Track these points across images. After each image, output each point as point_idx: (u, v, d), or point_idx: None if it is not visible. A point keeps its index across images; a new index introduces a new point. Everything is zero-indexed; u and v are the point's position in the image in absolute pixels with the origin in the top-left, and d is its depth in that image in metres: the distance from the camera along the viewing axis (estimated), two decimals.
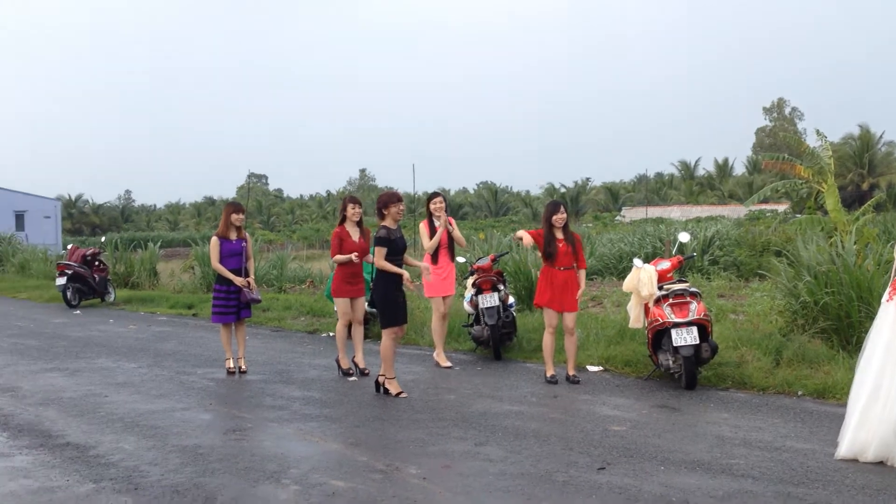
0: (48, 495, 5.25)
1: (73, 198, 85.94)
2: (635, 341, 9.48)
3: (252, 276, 9.42)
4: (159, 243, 24.32)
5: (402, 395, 7.92)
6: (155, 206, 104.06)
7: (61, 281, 17.65)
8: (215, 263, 9.26)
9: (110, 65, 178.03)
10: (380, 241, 7.91)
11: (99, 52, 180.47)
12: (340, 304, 9.15)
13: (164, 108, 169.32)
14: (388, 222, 8.05)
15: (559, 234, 8.56)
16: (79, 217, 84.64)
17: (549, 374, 8.59)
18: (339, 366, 9.17)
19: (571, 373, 8.60)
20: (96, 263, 18.29)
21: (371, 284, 10.03)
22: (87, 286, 17.83)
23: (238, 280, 9.18)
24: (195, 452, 6.16)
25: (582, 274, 8.64)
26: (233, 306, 9.29)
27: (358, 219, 9.19)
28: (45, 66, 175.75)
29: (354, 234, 9.10)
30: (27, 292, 20.87)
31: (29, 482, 5.53)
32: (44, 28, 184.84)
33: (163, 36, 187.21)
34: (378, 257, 7.91)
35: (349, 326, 9.22)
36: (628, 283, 8.62)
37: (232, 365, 9.37)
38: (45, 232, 46.42)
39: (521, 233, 8.90)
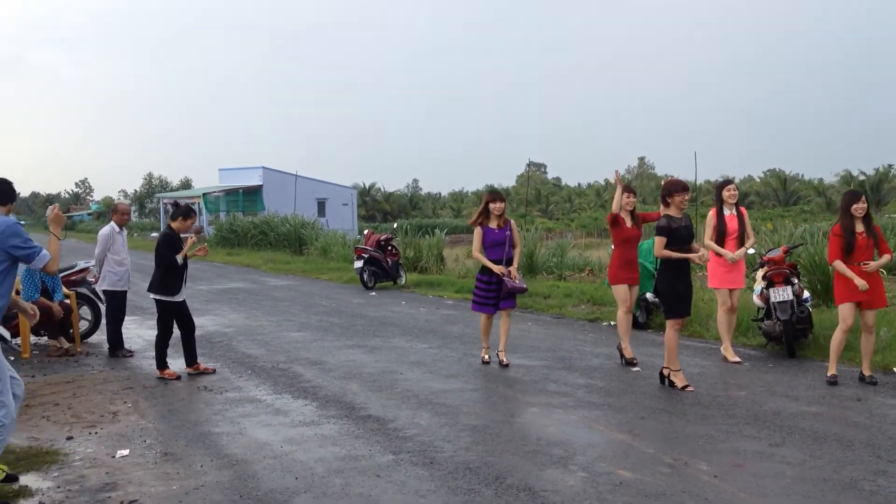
0: (353, 463, 5.70)
1: (367, 186, 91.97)
2: None
3: (515, 265, 9.05)
4: (445, 230, 25.39)
5: (689, 388, 7.72)
6: (440, 194, 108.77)
7: (359, 264, 18.88)
8: (476, 252, 9.09)
9: (402, 63, 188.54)
10: (660, 231, 7.78)
11: (390, 52, 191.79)
12: (619, 292, 9.08)
13: (447, 101, 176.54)
14: (671, 211, 7.87)
15: (859, 227, 7.92)
16: (372, 204, 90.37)
17: (830, 374, 8.02)
18: (622, 354, 9.11)
19: (868, 373, 7.99)
20: (389, 248, 19.35)
21: (654, 273, 9.89)
22: (381, 269, 18.92)
23: (497, 268, 8.90)
24: (484, 432, 6.41)
25: (886, 257, 7.97)
26: (493, 296, 9.03)
27: (632, 208, 9.10)
28: (343, 63, 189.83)
29: (628, 221, 9.08)
30: (329, 274, 22.60)
31: (336, 449, 6.03)
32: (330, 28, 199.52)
33: (455, 38, 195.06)
34: (657, 247, 7.78)
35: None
36: None
37: (487, 357, 9.23)
38: (343, 218, 49.90)
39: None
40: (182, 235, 8.93)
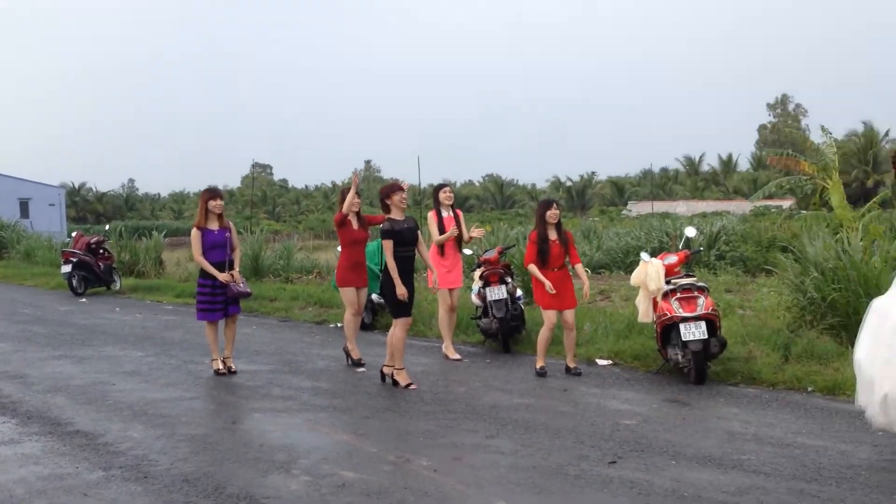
0: (58, 482, 5.27)
1: (76, 186, 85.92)
2: (644, 335, 9.45)
3: (237, 268, 8.76)
4: (164, 232, 24.35)
5: (412, 386, 7.90)
6: (159, 194, 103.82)
7: (66, 269, 17.72)
8: (198, 257, 8.64)
9: (108, 51, 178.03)
10: (385, 235, 7.86)
11: (98, 38, 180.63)
12: (347, 294, 9.11)
13: (163, 96, 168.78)
14: (394, 213, 7.99)
15: (552, 234, 8.54)
16: (83, 205, 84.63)
17: (539, 366, 8.59)
18: (349, 355, 9.15)
19: (572, 365, 8.62)
20: (101, 251, 18.32)
21: (379, 275, 10.05)
22: (92, 274, 17.88)
23: (221, 276, 8.53)
24: (204, 442, 6.16)
25: (579, 268, 8.71)
26: (219, 302, 8.66)
27: (357, 209, 9.17)
28: (45, 51, 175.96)
29: (355, 223, 9.14)
30: (33, 279, 20.95)
31: (39, 469, 5.55)
32: (44, 12, 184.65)
33: (160, 23, 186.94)
34: (386, 252, 7.85)
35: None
36: (636, 278, 8.62)
37: (221, 366, 8.75)
38: (50, 219, 46.27)
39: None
40: None
